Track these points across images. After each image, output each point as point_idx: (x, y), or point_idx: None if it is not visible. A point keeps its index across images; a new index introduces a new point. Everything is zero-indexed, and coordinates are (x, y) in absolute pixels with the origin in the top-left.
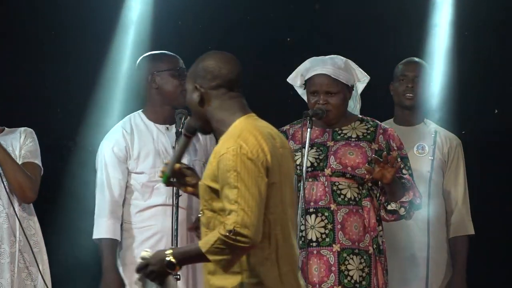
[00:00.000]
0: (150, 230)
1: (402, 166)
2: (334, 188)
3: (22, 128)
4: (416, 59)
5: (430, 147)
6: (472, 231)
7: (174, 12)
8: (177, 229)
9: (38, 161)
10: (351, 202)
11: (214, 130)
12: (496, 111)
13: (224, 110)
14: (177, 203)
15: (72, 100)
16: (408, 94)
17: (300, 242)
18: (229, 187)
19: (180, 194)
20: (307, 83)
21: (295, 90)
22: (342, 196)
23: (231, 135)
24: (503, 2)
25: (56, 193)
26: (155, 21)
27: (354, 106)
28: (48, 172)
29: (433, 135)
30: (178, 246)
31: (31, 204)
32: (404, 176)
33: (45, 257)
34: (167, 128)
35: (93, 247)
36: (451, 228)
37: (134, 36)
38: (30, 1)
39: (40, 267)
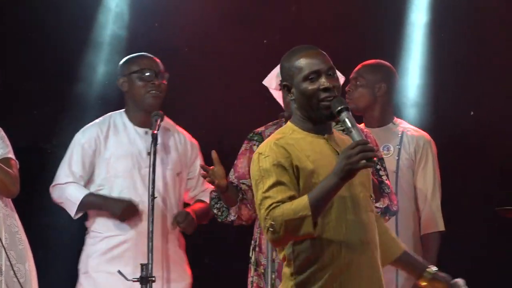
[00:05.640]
0: (115, 239)
1: (379, 167)
2: None
3: None
4: (369, 61)
5: (395, 147)
6: (442, 228)
7: (150, 14)
8: (152, 231)
9: (11, 155)
10: None
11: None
12: (472, 113)
13: None
14: (153, 206)
15: (48, 102)
16: (347, 99)
17: None
18: None
19: (155, 196)
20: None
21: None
22: None
23: None
24: (480, 3)
25: (33, 195)
26: (131, 23)
27: None
28: (25, 174)
29: (399, 135)
30: (154, 249)
31: (11, 202)
32: (384, 181)
33: (30, 253)
34: (146, 132)
35: (74, 249)
36: (422, 226)
37: (110, 38)
38: (5, 3)
39: (27, 265)
